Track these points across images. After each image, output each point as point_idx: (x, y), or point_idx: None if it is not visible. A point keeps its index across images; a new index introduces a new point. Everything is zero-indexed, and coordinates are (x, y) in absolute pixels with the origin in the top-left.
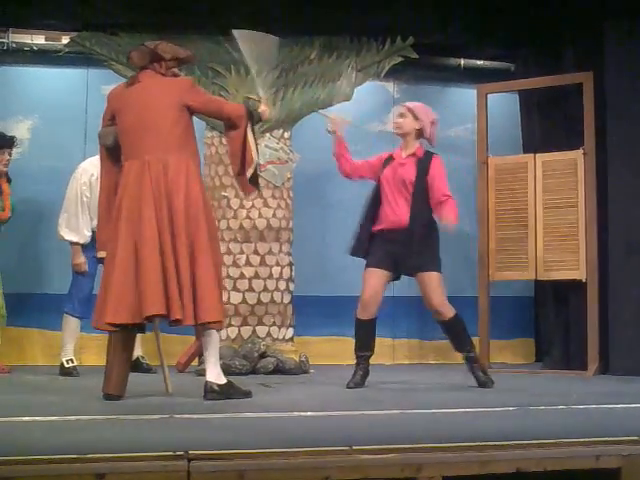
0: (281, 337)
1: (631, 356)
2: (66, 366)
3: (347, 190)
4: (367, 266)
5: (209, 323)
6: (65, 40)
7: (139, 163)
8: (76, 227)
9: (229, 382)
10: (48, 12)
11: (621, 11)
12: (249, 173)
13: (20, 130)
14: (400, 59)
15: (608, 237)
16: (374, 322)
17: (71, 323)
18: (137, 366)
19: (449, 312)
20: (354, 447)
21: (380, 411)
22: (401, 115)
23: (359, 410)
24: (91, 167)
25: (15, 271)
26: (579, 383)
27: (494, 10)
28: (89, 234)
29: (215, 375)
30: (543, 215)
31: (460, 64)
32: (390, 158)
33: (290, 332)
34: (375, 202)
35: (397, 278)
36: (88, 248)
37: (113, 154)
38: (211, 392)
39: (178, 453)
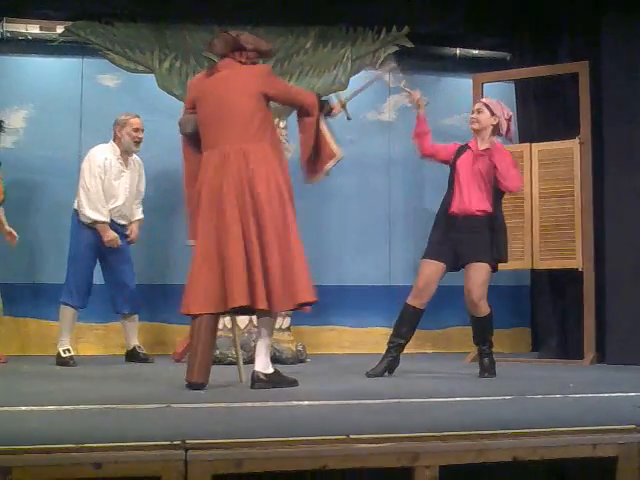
0: (277, 327)
1: (628, 345)
2: (63, 356)
3: (343, 180)
4: (424, 257)
5: (302, 305)
6: (60, 29)
7: (219, 154)
8: (100, 207)
9: (276, 371)
10: (43, 1)
11: (617, 1)
12: (329, 165)
13: (15, 119)
14: (396, 48)
15: (605, 226)
16: (421, 313)
17: (67, 313)
18: (134, 356)
19: (485, 310)
20: (351, 436)
21: (377, 400)
22: (478, 111)
23: (356, 399)
24: (103, 151)
25: (9, 261)
26: (576, 372)
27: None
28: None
29: (263, 365)
30: (539, 204)
31: (456, 53)
32: (465, 147)
33: (287, 322)
34: (450, 188)
35: (455, 269)
36: (89, 234)
37: (193, 142)
38: (258, 381)
39: (175, 442)
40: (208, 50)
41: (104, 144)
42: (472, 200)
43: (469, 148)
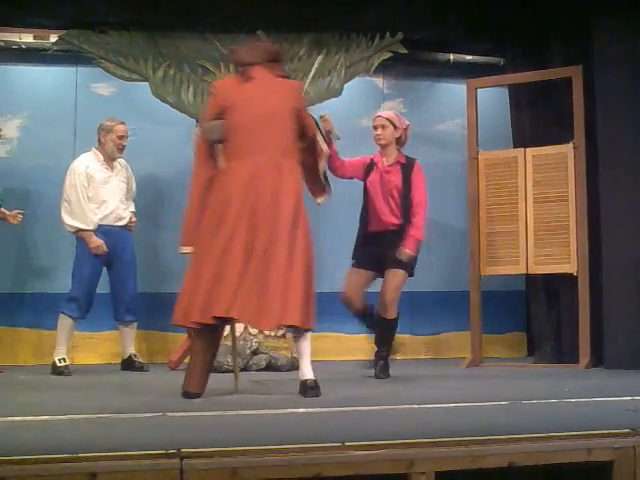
0: (273, 334)
1: (624, 349)
2: (58, 365)
3: (337, 187)
4: (351, 267)
5: (294, 326)
6: (53, 38)
7: (252, 165)
8: (82, 215)
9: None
10: (36, 10)
11: (610, 5)
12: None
13: (9, 129)
14: (389, 54)
15: (600, 230)
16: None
17: (66, 323)
18: (130, 364)
19: (393, 313)
20: (346, 443)
21: (372, 407)
22: (382, 127)
23: (351, 406)
24: (85, 160)
25: (4, 270)
26: (571, 377)
27: (483, 5)
28: (96, 221)
29: (313, 373)
30: (534, 209)
31: (449, 59)
32: (372, 163)
33: (282, 329)
34: (365, 206)
35: (381, 276)
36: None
37: (209, 148)
38: (312, 389)
39: (171, 451)
40: (232, 58)
41: (86, 153)
42: (385, 218)
43: (375, 164)
